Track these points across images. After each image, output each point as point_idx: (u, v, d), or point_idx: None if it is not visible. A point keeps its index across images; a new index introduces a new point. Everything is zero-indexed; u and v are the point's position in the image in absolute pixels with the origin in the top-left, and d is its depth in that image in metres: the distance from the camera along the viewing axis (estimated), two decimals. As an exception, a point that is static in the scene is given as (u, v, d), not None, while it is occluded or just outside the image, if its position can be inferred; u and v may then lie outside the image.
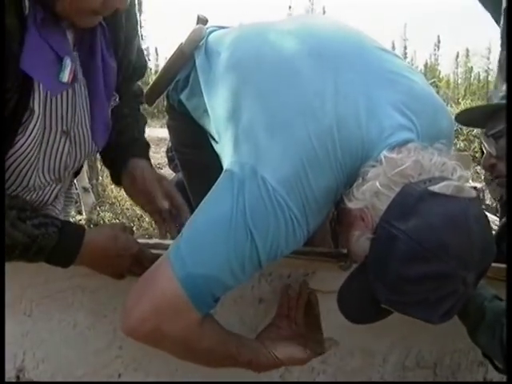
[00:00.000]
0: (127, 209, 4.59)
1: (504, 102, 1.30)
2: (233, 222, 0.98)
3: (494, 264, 1.34)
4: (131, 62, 1.28)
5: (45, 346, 1.20)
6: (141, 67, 1.35)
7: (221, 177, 1.05)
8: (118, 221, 4.25)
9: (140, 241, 1.15)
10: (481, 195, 4.80)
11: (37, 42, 0.97)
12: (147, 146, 1.37)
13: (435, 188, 0.93)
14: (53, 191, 1.23)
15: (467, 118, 1.40)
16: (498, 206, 2.45)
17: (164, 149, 5.40)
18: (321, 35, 1.18)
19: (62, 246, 1.02)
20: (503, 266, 1.35)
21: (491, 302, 1.16)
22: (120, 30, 1.19)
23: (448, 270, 0.93)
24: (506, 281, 1.08)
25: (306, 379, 1.45)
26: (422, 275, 0.93)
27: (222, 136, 1.13)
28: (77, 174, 1.40)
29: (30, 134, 1.04)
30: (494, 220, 2.95)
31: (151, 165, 1.32)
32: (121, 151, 1.29)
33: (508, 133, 1.20)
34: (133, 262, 1.12)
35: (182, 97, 1.31)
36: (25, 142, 1.05)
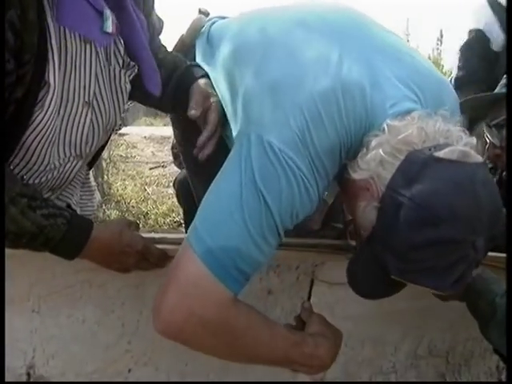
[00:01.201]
0: (133, 206, 4.59)
1: (505, 91, 1.28)
2: (244, 189, 0.96)
3: (502, 254, 1.35)
4: (154, 20, 1.28)
5: (54, 342, 1.20)
6: (162, 24, 1.36)
7: (230, 153, 1.04)
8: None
9: (145, 235, 1.15)
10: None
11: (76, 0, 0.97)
12: (199, 66, 1.29)
13: (440, 154, 0.91)
14: (74, 168, 1.21)
15: (468, 107, 1.36)
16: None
17: (168, 147, 5.40)
18: (324, 15, 1.17)
19: (68, 238, 1.01)
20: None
21: (503, 298, 1.14)
22: None
23: (456, 235, 0.91)
24: (506, 280, 1.07)
25: (317, 370, 1.44)
26: (431, 240, 0.91)
27: (229, 117, 1.13)
28: (91, 165, 1.39)
29: (48, 108, 1.03)
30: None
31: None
32: (181, 87, 1.24)
33: (508, 132, 1.18)
34: (139, 258, 1.11)
35: None
36: (43, 118, 1.04)
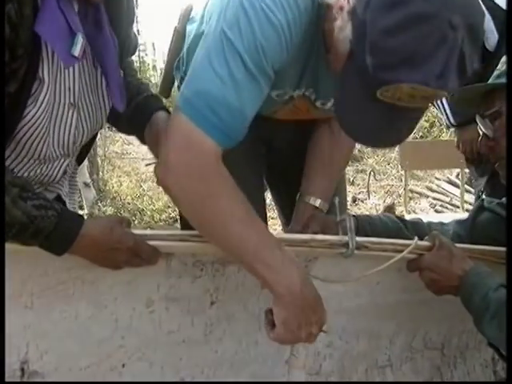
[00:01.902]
0: (128, 203, 4.58)
1: (499, 81, 1.27)
2: (212, 40, 1.07)
3: (496, 248, 1.34)
4: (131, 40, 1.33)
5: (47, 337, 1.19)
6: (136, 44, 1.41)
7: None
8: (119, 215, 4.25)
9: (137, 232, 1.14)
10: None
11: (55, 12, 1.01)
12: (160, 98, 1.39)
13: None
14: (61, 166, 1.24)
15: (462, 99, 1.35)
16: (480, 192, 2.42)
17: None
18: None
19: (59, 231, 1.01)
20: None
21: (496, 292, 1.14)
22: (122, 9, 1.23)
23: (427, 8, 0.92)
24: (506, 278, 1.07)
25: (312, 363, 1.44)
26: (403, 20, 0.93)
27: None
28: (80, 161, 1.40)
29: (41, 104, 1.07)
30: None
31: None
32: (140, 111, 1.30)
33: (508, 132, 1.16)
34: (130, 255, 1.11)
35: (183, 73, 1.32)
36: (36, 113, 1.07)
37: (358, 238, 1.24)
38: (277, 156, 1.66)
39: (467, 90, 1.32)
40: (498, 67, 1.31)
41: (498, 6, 1.96)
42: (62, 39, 1.03)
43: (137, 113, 1.31)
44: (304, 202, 1.47)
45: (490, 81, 1.31)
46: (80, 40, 1.06)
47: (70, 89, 1.13)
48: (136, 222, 4.02)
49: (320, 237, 1.25)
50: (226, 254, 1.22)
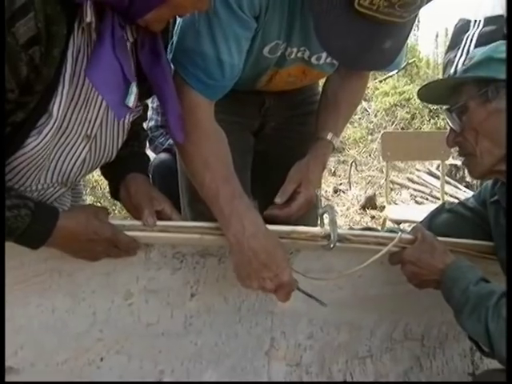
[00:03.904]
0: (109, 192, 4.53)
1: (466, 75, 1.26)
2: None
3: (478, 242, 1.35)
4: None
5: (23, 332, 1.16)
6: None
7: None
8: (99, 203, 4.20)
9: (115, 222, 1.12)
10: (461, 173, 4.84)
11: (110, 59, 0.99)
12: (147, 160, 1.35)
13: None
14: (55, 193, 1.21)
15: (429, 94, 1.34)
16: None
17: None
18: None
19: (33, 229, 0.99)
20: (486, 243, 1.36)
21: (476, 286, 1.14)
22: (168, 35, 1.22)
23: None
24: (506, 278, 1.07)
25: (292, 355, 1.44)
26: None
27: None
28: None
29: (44, 137, 1.03)
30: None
31: (148, 180, 1.30)
32: (120, 164, 1.26)
33: (508, 132, 1.16)
34: (107, 246, 1.10)
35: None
36: (37, 145, 1.04)
37: (340, 231, 1.24)
38: (263, 145, 1.65)
39: (435, 83, 1.32)
40: (465, 62, 1.30)
41: None
42: (115, 89, 1.02)
43: (115, 165, 1.26)
44: (315, 137, 1.48)
45: (457, 75, 1.30)
46: (134, 90, 1.05)
47: (90, 121, 1.11)
48: (116, 211, 3.97)
49: (301, 228, 1.24)
50: (206, 246, 1.21)
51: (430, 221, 1.49)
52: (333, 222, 1.23)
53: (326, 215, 1.28)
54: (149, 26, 1.04)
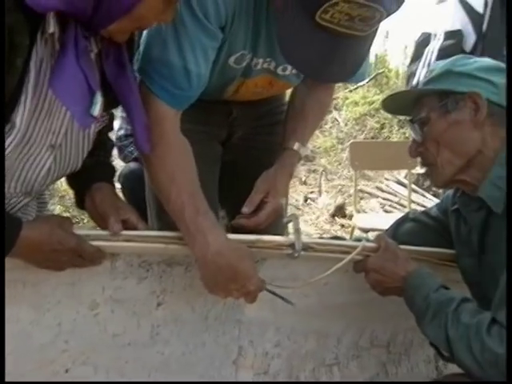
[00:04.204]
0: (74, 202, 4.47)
1: (427, 87, 1.28)
2: None
3: (439, 249, 1.38)
4: None
5: (-15, 343, 1.15)
6: None
7: None
8: (68, 213, 4.14)
9: (80, 232, 1.12)
10: (428, 182, 4.92)
11: (74, 70, 0.99)
12: (112, 169, 1.35)
13: None
14: (19, 203, 1.20)
15: (393, 105, 1.37)
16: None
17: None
18: None
19: None
20: (447, 251, 1.39)
21: (436, 292, 1.17)
22: (134, 45, 1.22)
23: None
24: (506, 278, 1.06)
25: (260, 363, 1.44)
26: None
27: None
28: None
29: (7, 147, 1.02)
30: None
31: (114, 190, 1.30)
32: (86, 174, 1.26)
33: (508, 132, 1.18)
34: (72, 256, 1.09)
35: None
36: None
37: (305, 239, 1.25)
38: (230, 155, 1.66)
39: (399, 95, 1.35)
40: (426, 75, 1.34)
41: (474, 9, 2.05)
42: (79, 100, 1.01)
43: (80, 175, 1.26)
44: (282, 147, 1.50)
45: (419, 87, 1.33)
46: (99, 100, 1.05)
47: (54, 131, 1.10)
48: (85, 221, 3.93)
49: (266, 237, 1.25)
50: (173, 255, 1.21)
51: (395, 230, 1.52)
52: (297, 231, 1.25)
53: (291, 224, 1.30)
54: (112, 37, 1.04)
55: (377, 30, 1.15)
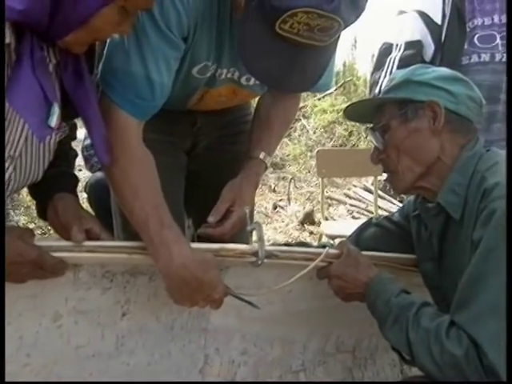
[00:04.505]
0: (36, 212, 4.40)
1: (387, 96, 1.30)
2: None
3: (399, 255, 1.41)
4: None
5: None
6: None
7: None
8: (34, 224, 4.07)
9: (42, 243, 1.11)
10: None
11: (30, 81, 0.97)
12: (75, 180, 1.34)
13: None
14: None
15: (355, 113, 1.40)
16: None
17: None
18: None
19: None
20: (409, 256, 1.42)
21: (397, 297, 1.19)
22: (94, 56, 1.20)
23: None
24: (507, 279, 1.05)
25: (226, 371, 1.45)
26: None
27: None
28: None
29: None
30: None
31: (77, 200, 1.29)
32: (48, 184, 1.24)
33: (508, 132, 1.20)
34: (33, 268, 1.08)
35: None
36: None
37: (268, 247, 1.26)
38: (195, 165, 1.67)
39: (361, 103, 1.38)
40: (386, 83, 1.37)
41: (433, 20, 2.11)
42: (36, 111, 1.00)
43: (42, 185, 1.24)
44: (248, 157, 1.51)
45: (380, 95, 1.36)
46: (56, 110, 1.05)
47: (13, 142, 1.08)
48: (52, 231, 3.87)
49: (230, 246, 1.26)
50: (136, 264, 1.21)
51: (358, 235, 1.54)
52: (260, 239, 1.26)
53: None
54: (69, 48, 1.04)
55: (337, 40, 1.17)
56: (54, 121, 1.05)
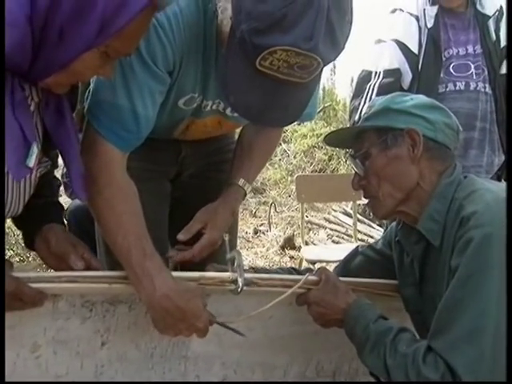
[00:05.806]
0: (23, 242, 4.34)
1: (367, 124, 1.33)
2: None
3: (378, 280, 1.43)
4: None
5: None
6: None
7: None
8: (12, 251, 4.02)
9: (20, 275, 1.11)
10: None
11: (9, 122, 0.97)
12: (61, 209, 1.35)
13: None
14: None
15: (335, 140, 1.43)
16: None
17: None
18: None
19: None
20: (387, 281, 1.44)
21: (375, 323, 1.21)
22: (76, 96, 1.22)
23: None
24: (507, 284, 1.07)
25: (206, 398, 1.44)
26: None
27: None
28: None
29: None
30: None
31: (65, 229, 1.30)
32: (35, 215, 1.25)
33: (508, 135, 1.21)
34: (12, 299, 1.07)
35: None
36: None
37: (247, 275, 1.28)
38: (179, 192, 1.68)
39: (341, 131, 1.41)
40: (365, 111, 1.40)
41: (410, 49, 2.17)
42: (14, 151, 1.00)
43: (29, 216, 1.24)
44: (228, 183, 1.52)
45: (359, 123, 1.39)
46: (35, 151, 1.05)
47: None
48: (30, 259, 3.83)
49: (210, 274, 1.27)
50: (116, 293, 1.21)
51: (346, 264, 1.57)
52: (240, 267, 1.27)
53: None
54: (51, 88, 1.05)
55: (319, 76, 1.19)
56: (32, 161, 1.05)
